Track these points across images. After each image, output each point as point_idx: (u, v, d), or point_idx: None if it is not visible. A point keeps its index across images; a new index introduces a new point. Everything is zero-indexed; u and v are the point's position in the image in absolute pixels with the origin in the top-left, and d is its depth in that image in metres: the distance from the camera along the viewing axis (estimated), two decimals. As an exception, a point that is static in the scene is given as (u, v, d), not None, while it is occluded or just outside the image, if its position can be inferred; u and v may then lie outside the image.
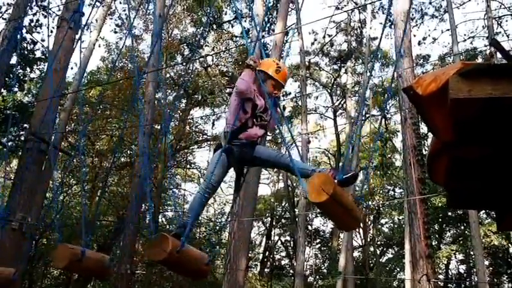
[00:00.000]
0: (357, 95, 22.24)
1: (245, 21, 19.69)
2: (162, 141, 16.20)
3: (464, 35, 22.30)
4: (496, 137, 1.85)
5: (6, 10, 15.60)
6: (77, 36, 7.81)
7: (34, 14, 14.35)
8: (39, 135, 7.18)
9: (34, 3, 14.01)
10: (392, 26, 11.77)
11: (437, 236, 22.62)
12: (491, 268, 21.89)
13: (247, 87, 3.90)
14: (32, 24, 14.16)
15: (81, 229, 5.31)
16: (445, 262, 21.22)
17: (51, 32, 12.98)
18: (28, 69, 14.39)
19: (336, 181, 3.17)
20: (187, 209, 4.17)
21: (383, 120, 23.07)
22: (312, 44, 23.79)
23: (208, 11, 18.83)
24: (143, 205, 15.28)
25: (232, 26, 20.10)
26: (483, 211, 15.62)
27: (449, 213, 20.42)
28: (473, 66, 1.71)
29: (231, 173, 4.43)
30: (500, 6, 19.97)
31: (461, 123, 1.83)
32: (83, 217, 6.55)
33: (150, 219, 16.47)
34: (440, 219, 21.66)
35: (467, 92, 1.68)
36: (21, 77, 14.01)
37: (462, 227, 21.42)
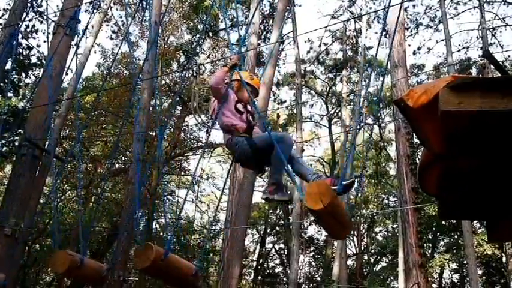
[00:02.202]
0: (351, 103, 22.34)
1: (241, 29, 19.77)
2: (157, 147, 16.20)
3: (459, 45, 22.53)
4: (486, 149, 1.87)
5: (2, 15, 15.64)
6: (73, 43, 7.84)
7: (30, 20, 14.36)
8: (34, 141, 7.17)
9: (30, 8, 14.02)
10: (387, 36, 11.83)
11: (430, 245, 22.67)
12: (484, 277, 21.93)
13: (215, 80, 4.07)
14: (28, 29, 14.16)
15: (75, 235, 5.37)
16: (439, 271, 21.24)
17: (47, 37, 13.05)
18: (23, 74, 14.37)
19: (334, 192, 3.20)
20: None
21: (378, 128, 23.19)
22: (308, 52, 23.95)
23: (205, 18, 18.89)
24: (137, 212, 15.24)
25: (228, 34, 20.16)
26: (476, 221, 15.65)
27: (443, 222, 20.47)
28: (463, 80, 1.74)
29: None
30: (495, 17, 20.14)
31: (451, 135, 1.85)
32: (79, 223, 6.56)
33: (142, 227, 16.45)
34: (433, 228, 21.71)
35: (457, 105, 1.70)
36: (17, 82, 13.99)
37: (455, 236, 21.47)
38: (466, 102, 1.69)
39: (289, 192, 3.78)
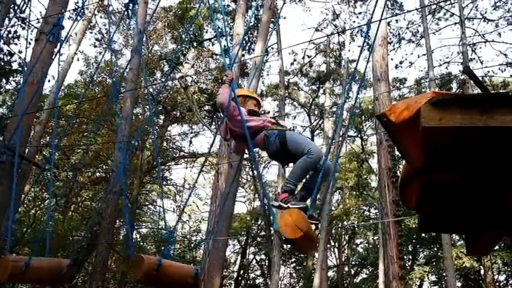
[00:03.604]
0: (334, 115, 22.50)
1: (225, 39, 19.82)
2: (139, 157, 16.09)
3: (440, 60, 22.84)
4: (465, 164, 1.90)
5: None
6: (56, 50, 7.77)
7: (12, 26, 14.21)
8: (13, 149, 7.07)
9: (13, 14, 13.89)
10: (370, 50, 11.97)
11: (410, 257, 22.82)
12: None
13: (224, 98, 4.21)
14: (10, 35, 14.01)
15: (56, 245, 5.30)
16: (418, 283, 21.37)
17: (29, 44, 12.94)
18: (4, 80, 14.21)
19: (306, 216, 3.24)
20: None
21: (360, 141, 23.37)
22: (292, 64, 24.10)
23: (190, 28, 18.91)
24: (117, 221, 15.08)
25: (212, 44, 20.22)
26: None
27: (423, 235, 20.64)
28: (444, 96, 1.77)
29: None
30: (475, 33, 20.56)
31: (432, 150, 1.88)
32: (46, 228, 6.45)
33: (130, 240, 16.25)
34: (414, 241, 21.87)
35: (438, 121, 1.73)
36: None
37: (435, 249, 21.65)
38: (447, 119, 1.72)
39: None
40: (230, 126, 4.39)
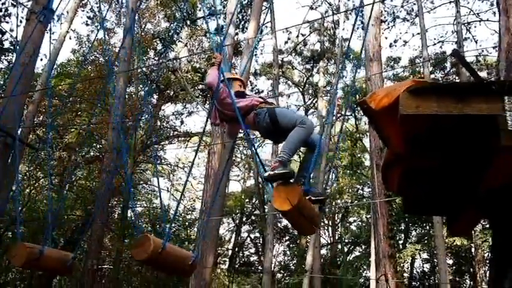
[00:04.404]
0: (328, 94, 22.49)
1: (219, 17, 19.69)
2: (132, 136, 16.11)
3: (434, 39, 22.76)
4: (442, 150, 1.97)
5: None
6: (47, 31, 7.73)
7: (3, 3, 14.05)
8: (5, 129, 7.08)
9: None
10: (364, 29, 11.93)
11: (403, 235, 23.09)
12: (454, 267, 22.50)
13: (213, 79, 4.39)
14: (0, 13, 13.86)
15: (46, 224, 5.40)
16: (410, 261, 21.69)
17: (21, 22, 12.81)
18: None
19: (301, 191, 3.26)
20: None
21: (354, 120, 23.41)
22: (286, 42, 23.96)
23: (183, 6, 18.74)
24: (111, 200, 15.18)
25: (206, 23, 20.09)
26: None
27: (415, 213, 20.83)
28: (421, 84, 1.82)
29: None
30: (470, 12, 20.46)
31: (411, 137, 1.94)
32: (49, 213, 6.54)
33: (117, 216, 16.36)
34: (406, 219, 22.12)
35: (415, 108, 1.78)
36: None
37: (428, 227, 21.91)
38: (424, 106, 1.77)
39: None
40: (221, 110, 4.43)
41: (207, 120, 4.83)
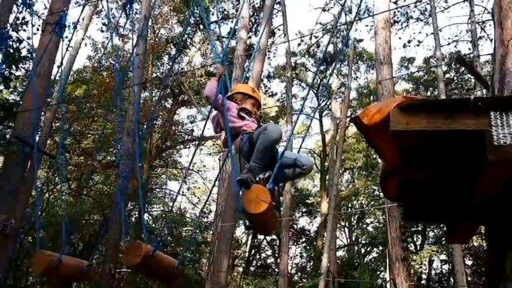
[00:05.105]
0: (342, 96, 22.50)
1: (231, 21, 19.84)
2: (148, 141, 16.29)
3: (449, 38, 22.65)
4: (434, 163, 2.03)
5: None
6: (61, 43, 7.91)
7: (20, 12, 14.31)
8: (23, 139, 7.27)
9: (20, 1, 13.99)
10: (375, 33, 11.95)
11: (420, 236, 22.94)
12: (473, 268, 22.29)
13: (211, 91, 4.15)
14: (18, 22, 14.12)
15: (65, 230, 5.60)
16: (427, 262, 21.53)
17: (38, 30, 13.06)
18: (14, 67, 14.35)
19: (267, 190, 3.30)
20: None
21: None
22: (299, 45, 24.02)
23: (195, 10, 18.90)
24: (128, 204, 15.35)
25: (219, 27, 20.21)
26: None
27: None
28: (411, 101, 1.89)
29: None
30: (484, 10, 20.29)
31: (403, 151, 2.01)
32: (64, 218, 6.73)
33: (134, 220, 16.51)
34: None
35: (405, 125, 1.86)
36: (7, 75, 13.98)
37: (445, 228, 21.71)
38: (413, 123, 1.84)
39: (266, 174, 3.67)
40: (220, 121, 4.39)
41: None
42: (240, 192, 3.46)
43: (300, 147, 5.20)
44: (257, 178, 3.62)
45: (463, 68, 21.38)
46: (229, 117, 4.12)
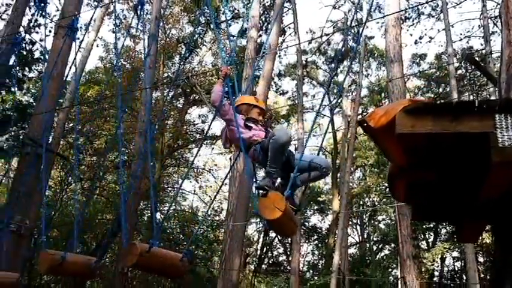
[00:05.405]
0: (353, 93, 22.45)
1: (242, 21, 19.86)
2: (159, 140, 16.39)
3: (461, 34, 22.47)
4: (440, 164, 2.06)
5: (6, 11, 15.78)
6: (73, 46, 7.99)
7: (33, 15, 14.46)
8: (37, 141, 7.37)
9: (33, 3, 14.14)
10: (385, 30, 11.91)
11: (432, 233, 22.83)
12: (485, 265, 22.12)
13: (216, 96, 4.21)
14: (31, 24, 14.28)
15: (81, 228, 5.69)
16: (438, 259, 21.43)
17: (50, 31, 13.20)
18: (27, 69, 14.53)
19: (284, 197, 3.36)
20: None
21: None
22: (309, 43, 23.98)
23: (206, 10, 18.97)
24: (140, 204, 15.48)
25: (228, 26, 20.27)
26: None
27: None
28: (416, 105, 1.92)
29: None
30: (496, 5, 20.09)
31: (410, 153, 2.04)
32: (77, 217, 6.82)
33: (147, 219, 16.63)
34: (435, 217, 21.82)
35: (411, 127, 1.89)
36: (20, 77, 14.16)
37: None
38: (419, 125, 1.87)
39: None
40: (228, 135, 4.38)
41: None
42: (256, 198, 3.55)
43: (320, 148, 5.18)
44: (275, 184, 3.72)
45: (473, 66, 21.22)
46: (240, 129, 4.10)
